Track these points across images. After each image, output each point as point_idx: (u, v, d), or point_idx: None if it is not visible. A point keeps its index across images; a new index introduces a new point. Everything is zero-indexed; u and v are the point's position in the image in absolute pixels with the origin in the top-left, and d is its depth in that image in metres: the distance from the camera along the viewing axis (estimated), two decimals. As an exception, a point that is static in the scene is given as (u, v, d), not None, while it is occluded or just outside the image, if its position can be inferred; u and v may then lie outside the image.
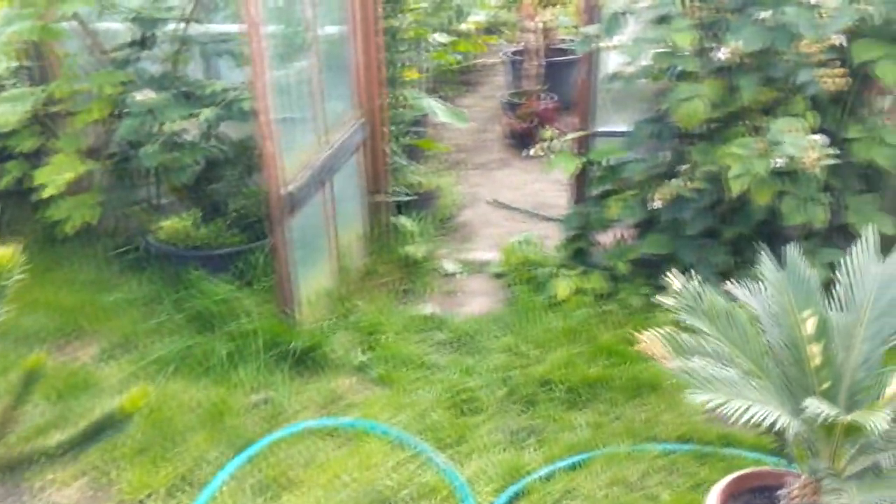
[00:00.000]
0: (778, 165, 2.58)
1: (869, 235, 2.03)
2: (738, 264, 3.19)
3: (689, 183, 2.97)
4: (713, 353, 1.87)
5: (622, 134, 3.41)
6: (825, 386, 1.88)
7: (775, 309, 1.94)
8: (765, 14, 2.76)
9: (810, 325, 1.90)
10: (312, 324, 3.14)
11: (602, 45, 2.93)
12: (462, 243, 4.19)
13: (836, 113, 2.93)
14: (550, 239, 4.18)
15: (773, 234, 3.20)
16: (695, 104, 2.86)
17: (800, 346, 1.89)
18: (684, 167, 3.04)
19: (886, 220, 2.99)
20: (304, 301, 3.14)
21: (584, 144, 3.52)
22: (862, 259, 2.00)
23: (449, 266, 3.86)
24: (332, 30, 3.41)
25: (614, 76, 2.93)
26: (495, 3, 6.99)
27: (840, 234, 3.14)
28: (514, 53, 6.18)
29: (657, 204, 2.98)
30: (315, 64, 3.18)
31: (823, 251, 3.01)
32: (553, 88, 5.84)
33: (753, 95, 2.82)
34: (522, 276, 3.61)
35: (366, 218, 3.80)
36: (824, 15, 2.62)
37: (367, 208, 3.80)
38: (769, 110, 2.94)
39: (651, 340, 1.92)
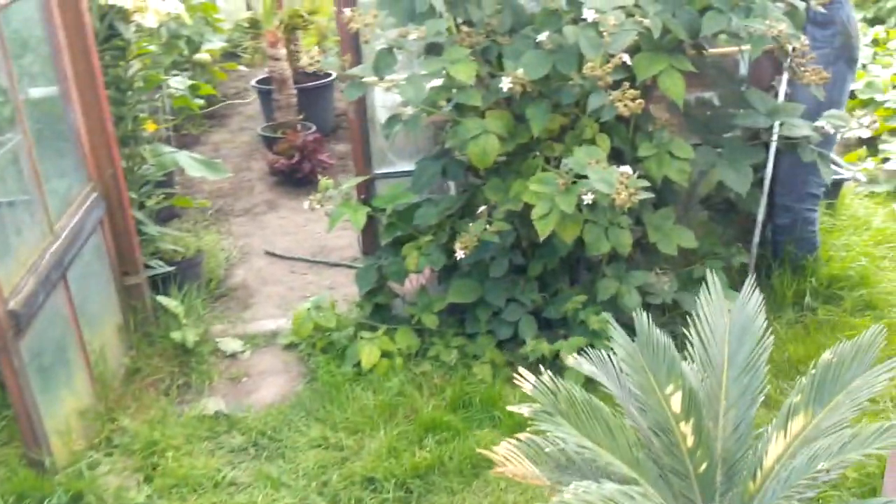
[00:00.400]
0: (587, 203, 2.36)
1: (713, 282, 1.83)
2: (549, 300, 2.98)
3: (489, 227, 2.69)
4: (581, 464, 1.57)
5: (407, 174, 3.09)
6: (702, 469, 1.65)
7: (636, 390, 1.68)
8: (542, 37, 2.53)
9: (676, 403, 1.65)
10: (70, 465, 2.51)
11: (374, 84, 2.56)
12: (241, 312, 3.67)
13: (623, 132, 2.78)
14: (342, 288, 3.79)
15: (578, 261, 3.02)
16: (487, 141, 2.57)
17: (670, 429, 1.64)
18: (482, 209, 2.76)
19: (686, 234, 2.89)
20: (55, 436, 2.50)
21: (366, 190, 3.15)
22: (709, 310, 1.80)
23: (230, 345, 3.33)
24: (41, 92, 2.77)
25: (392, 120, 2.58)
26: (229, 26, 6.43)
27: (643, 254, 3.02)
28: (262, 82, 5.69)
29: (460, 255, 2.67)
30: (24, 139, 2.54)
31: (632, 275, 2.86)
32: (310, 117, 5.42)
33: (543, 126, 2.58)
34: (319, 345, 3.18)
35: (120, 307, 3.17)
36: (606, 33, 2.43)
37: (119, 295, 3.17)
38: (559, 137, 2.74)
39: (510, 455, 1.59)
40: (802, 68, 2.67)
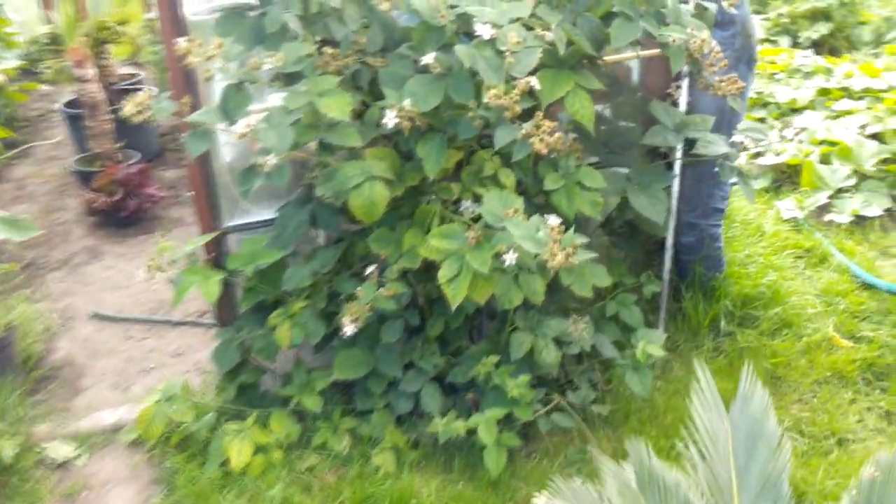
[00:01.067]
0: (509, 265, 1.93)
1: (704, 379, 1.45)
2: (452, 361, 2.54)
3: (384, 290, 2.21)
4: None
5: (267, 223, 2.55)
6: None
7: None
8: (428, 58, 2.07)
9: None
10: None
11: (224, 130, 2.01)
12: (69, 400, 2.99)
13: (526, 162, 2.37)
14: (193, 353, 3.20)
15: (481, 312, 2.60)
16: (373, 190, 2.09)
17: None
18: (371, 269, 2.27)
19: (599, 271, 2.53)
20: None
21: (216, 247, 2.58)
22: (706, 417, 1.41)
23: (59, 450, 2.67)
24: None
25: (249, 174, 2.03)
26: (25, 40, 5.54)
27: (549, 294, 2.64)
28: (70, 105, 4.89)
29: (350, 329, 2.17)
30: None
31: (546, 325, 2.47)
32: (130, 143, 4.70)
33: (439, 166, 2.13)
34: (174, 440, 2.59)
35: None
36: (507, 52, 2.00)
37: None
38: (454, 174, 2.30)
39: None
40: (717, 78, 2.36)
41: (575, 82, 2.22)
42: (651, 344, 2.42)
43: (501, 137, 1.99)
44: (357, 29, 2.29)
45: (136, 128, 5.02)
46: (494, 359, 2.41)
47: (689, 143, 2.59)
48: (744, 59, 2.77)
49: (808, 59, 5.18)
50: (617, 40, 2.19)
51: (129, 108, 1.83)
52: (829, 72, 4.75)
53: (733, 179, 2.50)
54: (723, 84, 2.37)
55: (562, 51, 2.14)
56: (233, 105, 1.97)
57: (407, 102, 2.04)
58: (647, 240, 2.99)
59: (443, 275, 2.02)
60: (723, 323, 2.94)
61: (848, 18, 6.07)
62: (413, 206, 2.30)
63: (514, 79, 2.01)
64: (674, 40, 2.15)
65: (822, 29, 6.04)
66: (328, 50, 2.19)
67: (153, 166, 4.89)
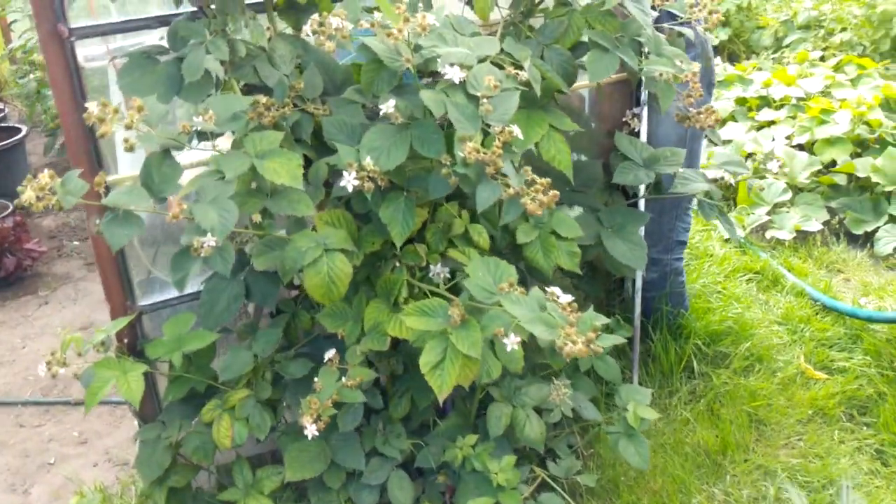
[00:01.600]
0: (512, 349, 1.63)
1: None
2: (420, 443, 2.23)
3: (347, 379, 1.87)
4: None
5: (193, 297, 2.18)
6: None
7: None
8: (387, 107, 1.76)
9: None
10: None
11: (149, 211, 1.62)
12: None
13: (492, 212, 2.08)
14: (101, 439, 2.79)
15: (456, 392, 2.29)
16: (333, 265, 1.75)
17: None
18: (329, 355, 1.93)
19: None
20: None
21: (131, 332, 2.17)
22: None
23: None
24: None
25: (182, 259, 1.65)
26: None
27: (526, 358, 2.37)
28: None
29: (311, 430, 1.83)
30: None
31: (525, 393, 2.20)
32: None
33: (408, 231, 1.82)
34: (92, 562, 2.18)
35: None
36: (483, 97, 1.71)
37: None
38: (418, 234, 1.99)
39: None
40: (694, 109, 2.15)
41: (549, 124, 1.96)
42: (642, 406, 2.18)
43: (485, 198, 1.69)
44: (291, 71, 1.96)
45: (5, 172, 4.46)
46: (473, 439, 2.11)
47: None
48: (704, 83, 2.58)
49: (717, 66, 5.13)
50: (594, 75, 1.94)
51: (27, 194, 1.43)
52: (744, 80, 4.69)
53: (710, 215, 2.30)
54: (700, 116, 2.16)
55: (538, 91, 1.87)
56: (159, 179, 1.59)
57: (368, 160, 1.71)
58: (607, 279, 2.78)
59: (425, 362, 1.71)
60: (695, 364, 2.74)
61: (746, 23, 6.10)
62: (373, 276, 1.98)
63: (489, 126, 1.72)
64: (661, 74, 1.92)
65: (722, 35, 6.05)
66: (262, 99, 1.84)
67: (28, 213, 4.35)
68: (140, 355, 2.15)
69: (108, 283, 2.14)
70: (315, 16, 1.81)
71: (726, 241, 3.61)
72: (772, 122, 4.27)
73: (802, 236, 3.67)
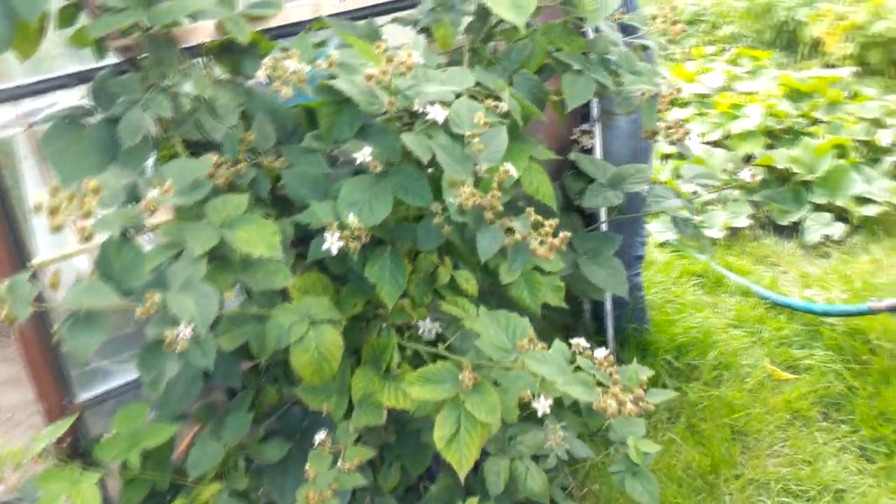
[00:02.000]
0: (544, 413, 1.48)
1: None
2: (413, 511, 2.05)
3: (344, 462, 1.67)
4: None
5: (134, 386, 1.92)
6: None
7: None
8: (363, 155, 1.57)
9: None
10: None
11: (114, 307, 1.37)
12: None
13: (466, 252, 1.92)
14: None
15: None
16: (321, 340, 1.55)
17: None
18: (320, 437, 1.71)
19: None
20: None
21: (73, 431, 1.89)
22: None
23: None
24: None
25: (152, 356, 1.40)
26: None
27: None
28: None
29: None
30: None
31: (521, 442, 2.04)
32: None
33: (399, 291, 1.63)
34: None
35: None
36: (471, 137, 1.55)
37: None
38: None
39: None
40: (663, 123, 2.06)
41: (529, 156, 1.82)
42: (642, 440, 2.07)
43: (487, 246, 1.53)
44: (237, 122, 1.74)
45: None
46: (474, 502, 1.94)
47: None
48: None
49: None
50: (573, 99, 1.81)
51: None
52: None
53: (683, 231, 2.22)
54: (671, 130, 2.08)
55: (520, 122, 1.73)
56: (120, 268, 1.35)
57: (351, 218, 1.52)
58: (573, 301, 2.66)
59: (440, 436, 1.53)
60: (667, 380, 2.67)
61: (631, 23, 6.16)
62: (355, 339, 1.78)
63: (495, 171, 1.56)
64: (643, 94, 1.81)
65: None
66: (213, 157, 1.62)
67: None
68: (85, 457, 1.87)
69: (41, 381, 1.86)
70: (267, 59, 1.60)
71: (661, 245, 3.58)
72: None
73: (733, 233, 3.69)
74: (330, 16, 1.87)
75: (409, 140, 1.54)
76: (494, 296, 2.00)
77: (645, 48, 2.04)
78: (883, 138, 3.93)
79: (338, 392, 1.75)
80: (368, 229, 1.55)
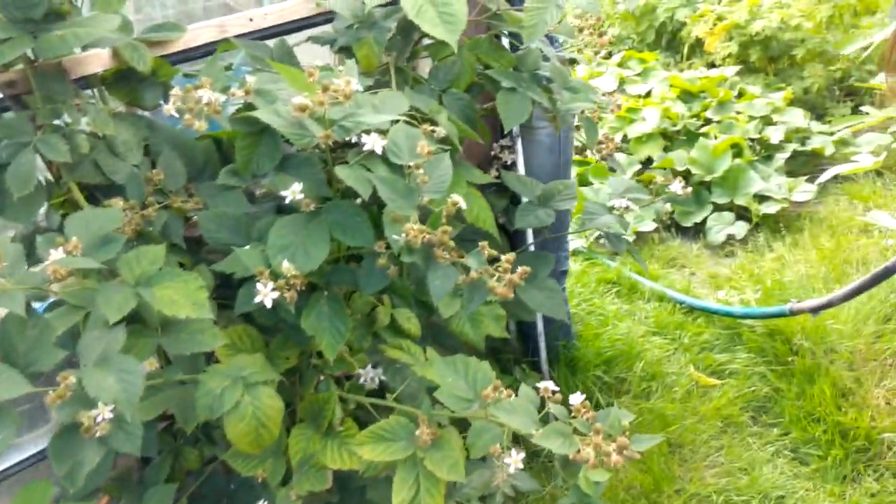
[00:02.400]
0: (512, 470, 1.35)
1: None
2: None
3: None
4: None
5: (42, 457, 1.69)
6: None
7: None
8: (292, 193, 1.41)
9: None
10: None
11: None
12: None
13: (400, 286, 1.79)
14: None
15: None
16: (259, 405, 1.37)
17: None
18: (260, 509, 1.53)
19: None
20: None
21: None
22: None
23: None
24: None
25: (70, 442, 1.20)
26: None
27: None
28: None
29: None
30: None
31: (465, 484, 1.92)
32: None
33: (341, 342, 1.47)
34: None
35: None
36: (414, 169, 1.41)
37: None
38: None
39: None
40: (598, 142, 1.98)
41: (465, 180, 1.70)
42: (592, 469, 1.98)
43: (440, 287, 1.39)
44: (141, 160, 1.54)
45: None
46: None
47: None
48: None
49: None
50: (509, 120, 1.70)
51: None
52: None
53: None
54: (601, 145, 2.00)
55: (459, 147, 1.60)
56: (27, 348, 1.13)
57: (286, 266, 1.36)
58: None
59: (399, 501, 1.38)
60: (598, 396, 2.61)
61: (515, 27, 6.16)
62: (288, 394, 1.61)
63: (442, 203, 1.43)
64: (583, 112, 1.72)
65: (495, 40, 6.07)
66: (118, 202, 1.41)
67: None
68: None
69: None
70: (176, 90, 1.41)
71: (572, 253, 3.54)
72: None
73: (639, 237, 3.70)
74: (237, 36, 1.69)
75: (346, 174, 1.39)
76: (430, 330, 1.87)
77: (573, 62, 1.95)
78: (773, 135, 4.03)
79: (273, 455, 1.57)
80: (305, 276, 1.39)
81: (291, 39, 1.75)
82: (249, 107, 1.46)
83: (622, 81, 4.63)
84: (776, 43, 4.95)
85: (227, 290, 1.53)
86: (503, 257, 1.40)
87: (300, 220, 1.43)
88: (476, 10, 1.81)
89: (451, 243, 1.40)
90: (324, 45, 1.74)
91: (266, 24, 1.69)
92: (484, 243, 1.43)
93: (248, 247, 1.45)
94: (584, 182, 3.83)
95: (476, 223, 1.71)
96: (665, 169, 3.87)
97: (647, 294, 3.21)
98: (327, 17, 1.80)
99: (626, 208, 2.10)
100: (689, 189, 2.07)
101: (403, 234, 1.38)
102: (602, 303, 3.06)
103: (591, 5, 1.60)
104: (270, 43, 1.72)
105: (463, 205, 1.45)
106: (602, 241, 2.15)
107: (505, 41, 2.05)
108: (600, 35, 1.93)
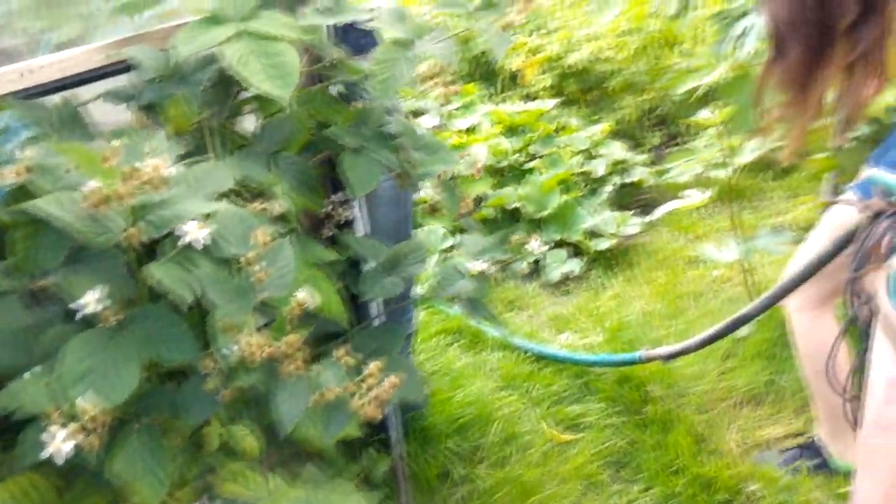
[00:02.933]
0: None
1: None
2: None
3: None
4: None
5: None
6: None
7: None
8: (90, 302, 1.09)
9: None
10: None
11: None
12: None
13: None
14: None
15: None
16: None
17: None
18: None
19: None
20: None
21: None
22: None
23: None
24: None
25: None
26: None
27: None
28: None
29: None
30: None
31: None
32: None
33: (164, 490, 1.16)
34: None
35: None
36: (247, 260, 1.14)
37: None
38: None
39: None
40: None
41: (313, 265, 1.43)
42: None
43: (289, 412, 1.11)
44: None
45: None
46: None
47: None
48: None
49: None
50: (359, 187, 1.46)
51: None
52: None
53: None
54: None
55: (297, 226, 1.33)
56: None
57: (83, 400, 1.03)
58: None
59: None
60: (453, 469, 2.39)
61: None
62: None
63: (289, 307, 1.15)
64: (441, 175, 1.50)
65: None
66: None
67: None
68: None
69: None
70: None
71: (408, 302, 3.32)
72: (465, 196, 4.10)
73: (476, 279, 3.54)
74: (4, 96, 1.33)
75: (162, 274, 1.08)
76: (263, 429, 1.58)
77: (419, 113, 1.73)
78: (597, 169, 4.03)
79: None
80: (111, 410, 1.07)
81: (82, 95, 1.41)
82: (23, 192, 1.12)
83: (446, 117, 4.49)
84: (590, 75, 5.02)
85: (8, 429, 1.17)
86: (369, 368, 1.15)
87: (102, 336, 1.11)
88: (307, 58, 1.55)
89: (301, 353, 1.13)
90: (123, 103, 1.41)
91: (44, 79, 1.35)
92: (340, 352, 1.17)
93: (29, 374, 1.10)
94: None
95: (321, 312, 1.44)
96: (496, 207, 3.76)
97: (492, 343, 3.05)
98: (126, 65, 1.47)
99: (484, 272, 1.91)
100: (546, 247, 1.91)
101: (238, 346, 1.09)
102: (448, 359, 2.87)
103: (446, 55, 1.39)
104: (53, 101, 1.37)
105: (312, 303, 1.19)
106: (446, 291, 1.94)
107: (334, 89, 1.80)
108: (450, 83, 1.73)
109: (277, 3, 1.54)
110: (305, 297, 1.17)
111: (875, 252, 1.44)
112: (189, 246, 1.12)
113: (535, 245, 1.89)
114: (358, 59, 1.57)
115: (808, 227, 3.76)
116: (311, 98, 1.55)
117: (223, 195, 1.22)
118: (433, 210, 1.82)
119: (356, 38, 1.75)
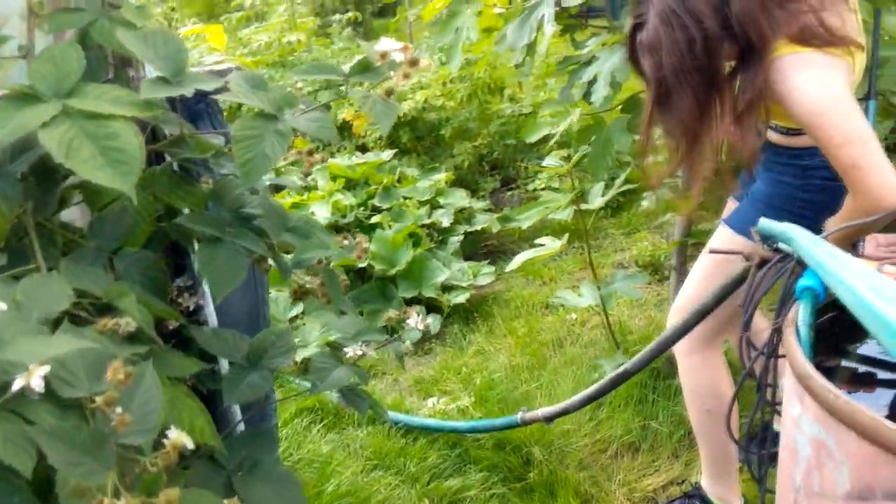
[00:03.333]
0: None
1: None
2: None
3: None
4: None
5: None
6: None
7: None
8: None
9: None
10: None
11: None
12: None
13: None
14: None
15: None
16: None
17: None
18: None
19: None
20: None
21: None
22: None
23: None
24: None
25: None
26: None
27: None
28: None
29: None
30: None
31: None
32: None
33: None
34: None
35: None
36: (103, 402, 0.90)
37: None
38: None
39: None
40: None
41: (168, 377, 1.19)
42: None
43: None
44: None
45: None
46: None
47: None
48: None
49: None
50: (221, 285, 1.23)
51: None
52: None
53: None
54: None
55: (157, 340, 1.09)
56: None
57: None
58: None
59: None
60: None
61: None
62: None
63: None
64: (321, 261, 1.31)
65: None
66: None
67: None
68: None
69: None
70: None
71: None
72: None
73: (330, 345, 3.32)
74: None
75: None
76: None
77: (280, 189, 1.53)
78: (443, 219, 3.94)
79: None
80: None
81: None
82: None
83: (277, 173, 4.26)
84: (422, 123, 4.96)
85: None
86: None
87: None
88: (146, 132, 1.32)
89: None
90: None
91: None
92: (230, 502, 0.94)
93: None
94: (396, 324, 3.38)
95: (191, 435, 1.20)
96: (344, 266, 3.56)
97: (356, 418, 2.84)
98: None
99: (362, 356, 1.72)
100: (429, 321, 1.75)
101: None
102: (314, 444, 2.63)
103: (324, 131, 1.21)
104: None
105: (189, 444, 0.96)
106: (324, 385, 1.73)
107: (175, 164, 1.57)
108: (310, 154, 1.55)
109: (101, 73, 1.30)
110: (182, 439, 0.94)
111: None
112: (22, 395, 0.87)
113: (415, 321, 1.73)
114: (203, 133, 1.36)
115: (648, 264, 3.85)
116: (153, 179, 1.31)
117: (58, 318, 0.97)
118: (303, 294, 1.61)
119: (187, 105, 1.54)
